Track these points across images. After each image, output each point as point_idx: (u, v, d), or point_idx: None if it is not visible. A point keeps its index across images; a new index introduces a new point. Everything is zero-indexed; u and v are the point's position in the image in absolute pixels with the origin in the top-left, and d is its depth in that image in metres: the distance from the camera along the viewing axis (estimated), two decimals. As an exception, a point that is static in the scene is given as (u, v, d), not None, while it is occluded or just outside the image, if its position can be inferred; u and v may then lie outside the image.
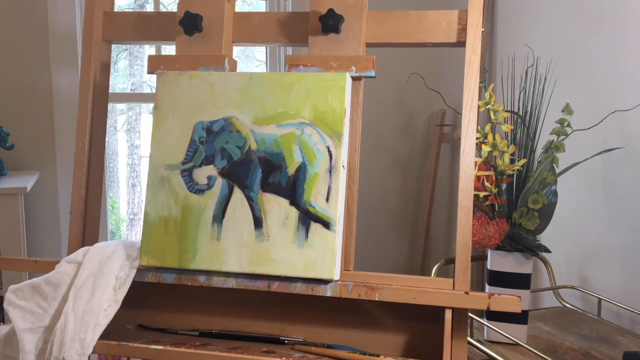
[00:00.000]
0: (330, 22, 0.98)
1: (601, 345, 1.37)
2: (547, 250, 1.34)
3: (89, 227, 1.08)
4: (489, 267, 1.35)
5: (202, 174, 0.97)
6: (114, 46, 1.16)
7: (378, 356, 0.91)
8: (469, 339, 1.29)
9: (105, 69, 1.12)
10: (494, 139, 1.31)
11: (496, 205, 1.35)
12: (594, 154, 1.40)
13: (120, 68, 6.52)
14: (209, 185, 0.96)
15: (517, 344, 1.27)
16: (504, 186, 1.35)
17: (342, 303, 0.96)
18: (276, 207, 0.93)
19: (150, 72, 1.04)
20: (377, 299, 0.90)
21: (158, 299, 1.05)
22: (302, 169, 0.93)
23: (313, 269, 0.90)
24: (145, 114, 6.38)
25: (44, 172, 2.09)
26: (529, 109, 1.37)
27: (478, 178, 1.32)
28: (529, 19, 1.98)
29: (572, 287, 1.66)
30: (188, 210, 0.96)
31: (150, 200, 0.97)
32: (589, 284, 1.68)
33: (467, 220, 0.91)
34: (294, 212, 0.92)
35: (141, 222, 0.98)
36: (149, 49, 5.15)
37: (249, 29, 1.06)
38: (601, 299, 1.54)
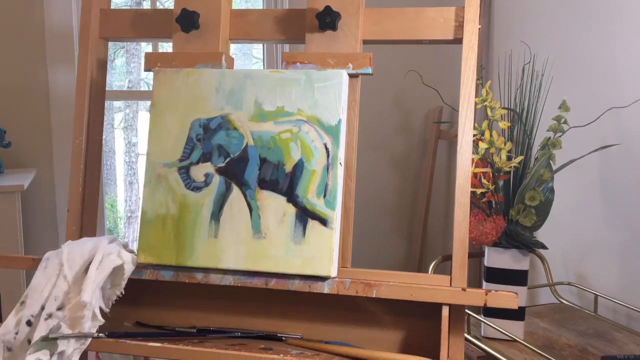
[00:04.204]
0: (327, 19, 0.98)
1: (597, 341, 1.37)
2: (544, 247, 1.35)
3: (87, 224, 1.08)
4: (486, 263, 1.36)
5: (199, 172, 0.97)
6: (110, 43, 1.16)
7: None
8: (466, 335, 1.29)
9: (102, 66, 1.12)
10: (491, 136, 1.31)
11: (493, 202, 1.36)
12: (590, 150, 1.40)
13: (117, 65, 6.50)
14: (206, 182, 0.96)
15: (514, 340, 1.28)
16: (501, 183, 1.35)
17: (339, 300, 0.96)
18: (273, 205, 0.93)
19: (147, 69, 1.04)
20: (374, 296, 0.90)
21: (156, 296, 1.05)
22: (299, 166, 0.93)
23: (310, 266, 0.91)
24: (142, 112, 6.36)
25: (41, 170, 2.08)
26: (525, 106, 1.37)
27: (475, 175, 1.33)
28: (526, 16, 1.98)
29: (569, 284, 1.66)
30: (185, 208, 0.96)
31: (148, 198, 0.97)
32: (586, 281, 1.68)
33: (464, 217, 0.91)
34: (291, 210, 0.93)
35: (139, 220, 0.98)
36: (146, 47, 5.14)
37: (246, 26, 1.05)
38: (597, 295, 1.55)
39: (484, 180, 1.33)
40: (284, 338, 0.99)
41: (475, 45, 0.94)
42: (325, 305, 0.99)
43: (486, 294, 0.87)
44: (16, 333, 0.92)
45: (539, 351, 1.19)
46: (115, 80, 6.38)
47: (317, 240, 0.91)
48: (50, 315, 0.91)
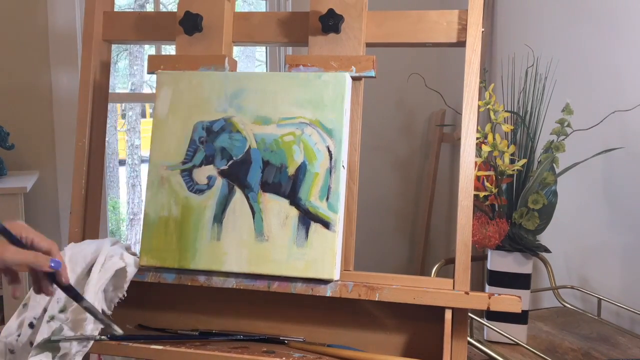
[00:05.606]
0: (331, 22, 0.98)
1: (601, 345, 1.37)
2: (547, 250, 1.34)
3: (89, 227, 1.08)
4: (489, 267, 1.35)
5: (202, 174, 0.97)
6: (114, 46, 1.16)
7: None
8: (468, 339, 1.29)
9: (105, 68, 1.12)
10: (494, 139, 1.31)
11: (496, 205, 1.35)
12: (594, 154, 1.40)
13: (120, 68, 6.52)
14: (209, 185, 0.96)
15: (517, 344, 1.27)
16: (504, 186, 1.35)
17: (342, 303, 0.96)
18: (276, 207, 0.93)
19: (150, 72, 1.04)
20: (377, 299, 0.90)
21: (158, 299, 1.05)
22: (302, 169, 0.93)
23: (313, 269, 0.90)
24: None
25: (44, 172, 2.08)
26: (529, 109, 1.37)
27: (478, 178, 1.32)
28: (529, 19, 1.98)
29: (572, 287, 1.66)
30: (188, 210, 0.96)
31: (150, 200, 0.97)
32: (589, 284, 1.68)
33: (467, 220, 0.91)
34: (293, 212, 0.92)
35: (141, 222, 0.98)
36: (149, 49, 5.15)
37: (249, 28, 1.06)
38: (601, 299, 1.54)
39: (487, 184, 1.32)
40: (286, 341, 0.98)
41: (478, 48, 0.94)
42: (327, 308, 0.98)
43: (489, 298, 0.87)
44: (18, 335, 0.92)
45: (542, 355, 1.19)
46: (119, 82, 6.40)
47: (319, 243, 0.91)
48: (52, 318, 0.91)
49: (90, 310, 0.88)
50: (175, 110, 0.99)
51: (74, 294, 0.87)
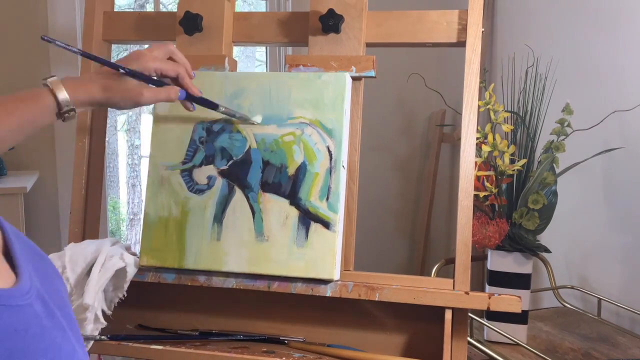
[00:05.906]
0: (331, 22, 0.98)
1: (601, 345, 1.36)
2: (547, 250, 1.34)
3: (89, 227, 1.08)
4: (489, 267, 1.35)
5: (202, 174, 0.97)
6: (114, 46, 1.16)
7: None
8: (468, 339, 1.29)
9: (105, 68, 1.12)
10: (494, 139, 1.31)
11: (496, 205, 1.35)
12: (594, 154, 1.40)
13: (120, 68, 6.49)
14: (209, 185, 0.96)
15: (517, 344, 1.27)
16: (504, 186, 1.35)
17: (342, 303, 0.96)
18: (276, 207, 0.93)
19: (150, 72, 1.03)
20: (377, 299, 0.90)
21: (158, 299, 1.05)
22: (302, 169, 0.93)
23: (313, 269, 0.90)
24: (145, 114, 6.37)
25: (44, 172, 2.08)
26: (529, 109, 1.37)
27: (478, 178, 1.32)
28: (529, 19, 1.98)
29: (572, 287, 1.66)
30: (188, 210, 0.96)
31: (150, 200, 0.97)
32: (589, 284, 1.68)
33: (467, 220, 0.91)
34: (293, 212, 0.92)
35: (141, 222, 0.98)
36: (149, 49, 5.13)
37: (249, 29, 1.06)
38: (601, 299, 1.54)
39: (487, 184, 1.32)
40: (286, 341, 0.99)
41: (478, 48, 0.94)
42: (327, 308, 0.98)
43: (489, 298, 0.87)
44: None
45: (542, 355, 1.19)
46: (118, 82, 6.37)
47: (319, 243, 0.91)
48: None
49: (229, 113, 0.94)
50: (176, 111, 0.99)
51: (211, 105, 0.91)
